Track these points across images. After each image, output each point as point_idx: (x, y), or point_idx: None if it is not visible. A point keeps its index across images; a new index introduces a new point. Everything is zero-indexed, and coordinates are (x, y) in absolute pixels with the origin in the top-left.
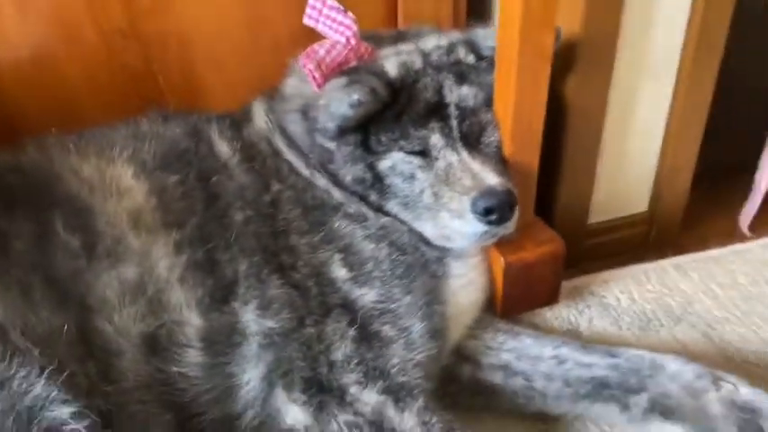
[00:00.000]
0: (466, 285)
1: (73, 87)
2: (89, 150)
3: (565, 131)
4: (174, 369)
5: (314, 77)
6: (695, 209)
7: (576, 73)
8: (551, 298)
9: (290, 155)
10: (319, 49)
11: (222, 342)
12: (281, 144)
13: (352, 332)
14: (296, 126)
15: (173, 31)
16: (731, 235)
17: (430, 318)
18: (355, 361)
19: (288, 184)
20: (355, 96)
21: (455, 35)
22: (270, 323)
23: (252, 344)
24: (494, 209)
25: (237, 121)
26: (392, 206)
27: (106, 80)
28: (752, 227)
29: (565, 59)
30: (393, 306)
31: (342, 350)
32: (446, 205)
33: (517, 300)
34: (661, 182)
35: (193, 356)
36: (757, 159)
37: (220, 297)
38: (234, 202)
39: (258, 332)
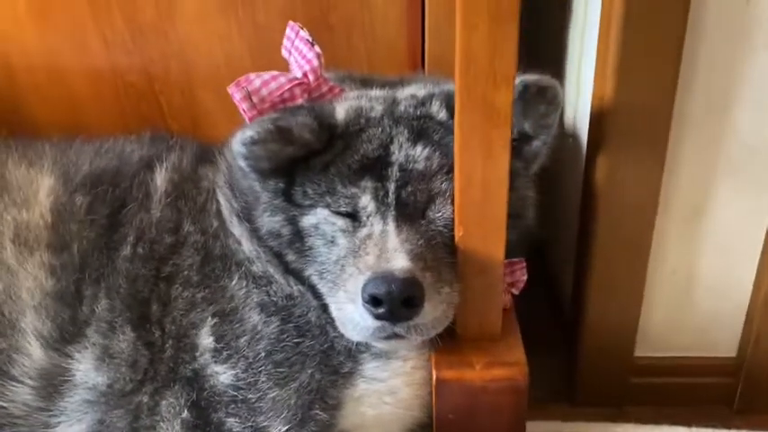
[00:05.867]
0: (380, 394)
1: (80, 99)
2: (28, 157)
3: (595, 230)
4: None
5: (243, 110)
6: None
7: (606, 153)
8: None
9: (221, 195)
10: (255, 78)
11: (53, 386)
12: (220, 181)
13: (186, 414)
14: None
15: (175, 52)
16: None
17: (302, 423)
18: None
19: (201, 227)
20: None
21: (448, 86)
22: (102, 379)
23: (76, 396)
24: (381, 299)
25: (212, 152)
26: (311, 273)
27: (110, 96)
28: None
29: (597, 134)
30: (251, 396)
31: None
32: (345, 283)
33: None
34: (756, 320)
35: (20, 393)
36: None
37: (69, 335)
38: (130, 236)
39: (88, 386)
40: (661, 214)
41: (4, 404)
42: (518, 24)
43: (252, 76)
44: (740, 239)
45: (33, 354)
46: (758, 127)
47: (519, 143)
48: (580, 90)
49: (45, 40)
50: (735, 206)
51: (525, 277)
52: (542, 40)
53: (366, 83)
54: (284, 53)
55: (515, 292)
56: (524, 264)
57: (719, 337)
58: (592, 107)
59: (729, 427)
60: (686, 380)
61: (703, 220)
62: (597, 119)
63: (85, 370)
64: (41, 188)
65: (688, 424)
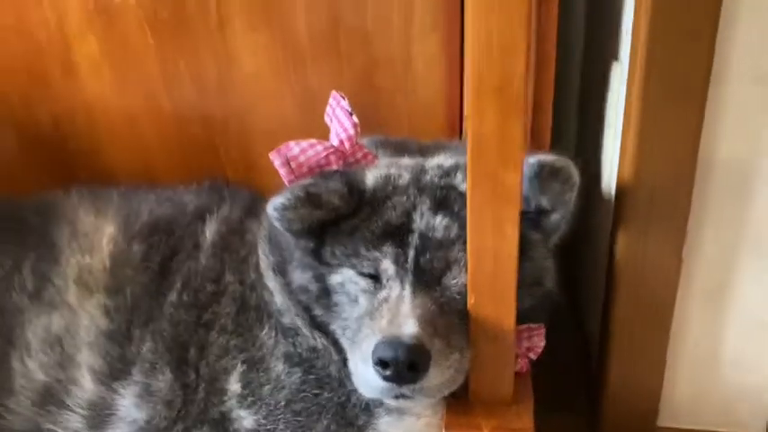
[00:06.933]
0: None
1: (150, 148)
2: (96, 206)
3: (616, 299)
4: (50, 426)
5: (282, 174)
6: None
7: (628, 227)
8: None
9: (261, 248)
10: (294, 146)
11: (100, 416)
12: (262, 235)
13: None
14: None
15: (234, 110)
16: None
17: None
18: None
19: (240, 278)
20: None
21: None
22: (141, 414)
23: (119, 428)
24: (388, 363)
25: (260, 206)
26: (336, 327)
27: (176, 145)
28: None
29: (620, 207)
30: None
31: None
32: (361, 342)
33: None
34: None
35: (73, 421)
36: None
37: (116, 372)
38: (177, 283)
39: (129, 420)
40: (683, 289)
41: (59, 430)
42: (550, 109)
43: (291, 144)
44: (767, 316)
45: (86, 386)
46: None
47: (538, 216)
48: (613, 162)
49: (121, 94)
50: (760, 283)
51: (543, 343)
52: (591, 109)
53: (401, 147)
54: (326, 119)
55: (533, 357)
56: (543, 330)
57: (747, 414)
58: (617, 180)
59: None
60: None
61: (727, 296)
62: (620, 192)
63: (128, 405)
64: (104, 236)
65: None
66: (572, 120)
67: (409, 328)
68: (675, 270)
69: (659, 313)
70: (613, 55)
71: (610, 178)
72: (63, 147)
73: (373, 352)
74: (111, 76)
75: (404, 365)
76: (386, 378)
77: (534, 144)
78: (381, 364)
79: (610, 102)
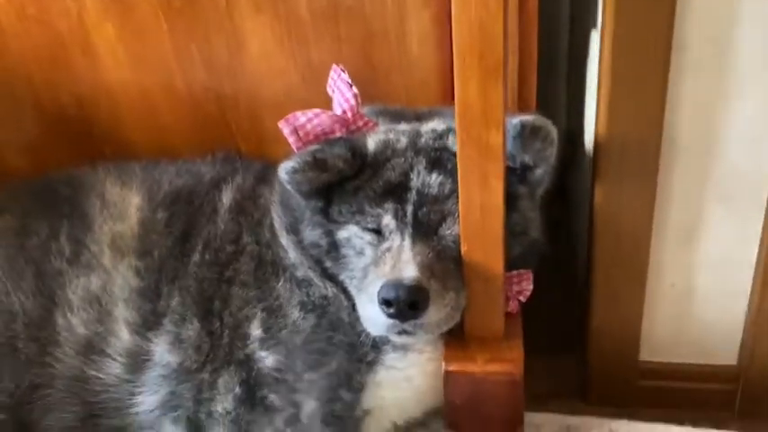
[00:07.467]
0: (397, 380)
1: (166, 124)
2: (122, 179)
3: (595, 248)
4: (94, 372)
5: (291, 142)
6: None
7: (604, 181)
8: (510, 428)
9: (274, 210)
10: (301, 116)
11: (137, 362)
12: (275, 199)
13: (237, 389)
14: None
15: (243, 87)
16: None
17: (330, 401)
18: (230, 418)
19: (256, 238)
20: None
21: None
22: (173, 359)
23: (153, 372)
24: (391, 302)
25: (271, 173)
26: (344, 277)
27: (191, 122)
28: None
29: (597, 163)
30: (289, 377)
31: (223, 404)
32: (367, 287)
33: (465, 417)
34: (752, 332)
35: (113, 367)
36: None
37: (150, 323)
38: (199, 245)
39: (162, 364)
40: (656, 237)
41: (102, 376)
42: (534, 75)
43: (298, 114)
44: (733, 257)
45: (123, 337)
46: (744, 153)
47: (523, 171)
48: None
49: (139, 76)
50: (726, 228)
51: (531, 287)
52: (577, 75)
53: (398, 115)
54: (329, 90)
55: (522, 299)
56: (530, 275)
57: (719, 345)
58: (594, 138)
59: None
60: (690, 384)
61: (697, 241)
62: (597, 149)
63: (161, 351)
64: (131, 205)
65: (694, 424)
66: (562, 86)
67: (409, 272)
68: (648, 217)
69: (636, 257)
70: (593, 24)
71: (590, 137)
72: (88, 125)
73: (378, 293)
74: (129, 60)
75: (405, 304)
76: (390, 315)
77: (521, 109)
78: (386, 303)
79: (589, 67)
